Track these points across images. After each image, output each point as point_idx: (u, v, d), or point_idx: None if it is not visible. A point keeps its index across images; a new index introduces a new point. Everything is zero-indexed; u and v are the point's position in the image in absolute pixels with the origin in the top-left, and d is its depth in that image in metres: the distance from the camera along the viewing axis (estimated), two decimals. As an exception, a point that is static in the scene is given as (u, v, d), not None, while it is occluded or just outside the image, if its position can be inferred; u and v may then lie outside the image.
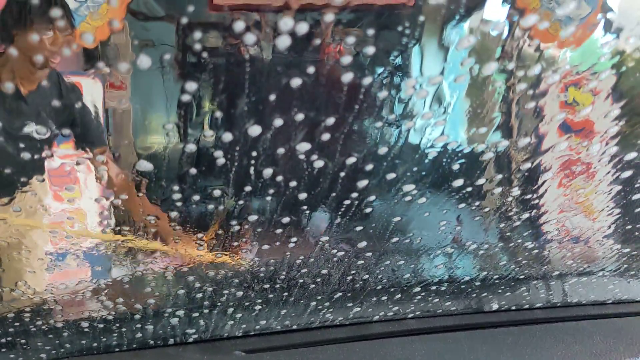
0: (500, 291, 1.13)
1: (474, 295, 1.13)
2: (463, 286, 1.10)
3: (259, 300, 0.96)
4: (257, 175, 0.76)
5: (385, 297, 1.06)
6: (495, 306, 1.15)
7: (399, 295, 1.06)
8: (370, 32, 0.68)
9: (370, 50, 0.68)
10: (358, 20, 0.70)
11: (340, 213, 0.85)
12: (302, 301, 0.99)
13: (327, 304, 1.01)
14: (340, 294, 1.01)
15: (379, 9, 0.76)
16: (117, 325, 0.95)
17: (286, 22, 0.61)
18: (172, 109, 0.77)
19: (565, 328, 1.12)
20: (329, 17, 0.64)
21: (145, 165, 0.77)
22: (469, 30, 0.71)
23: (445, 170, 0.83)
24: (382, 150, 0.79)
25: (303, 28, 0.61)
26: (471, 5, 0.69)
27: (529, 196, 0.90)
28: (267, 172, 0.75)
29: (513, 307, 1.16)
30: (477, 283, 1.10)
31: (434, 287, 1.08)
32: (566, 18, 0.73)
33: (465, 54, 0.72)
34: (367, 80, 0.70)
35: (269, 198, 0.80)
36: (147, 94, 0.78)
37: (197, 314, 0.96)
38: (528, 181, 0.88)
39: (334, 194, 0.81)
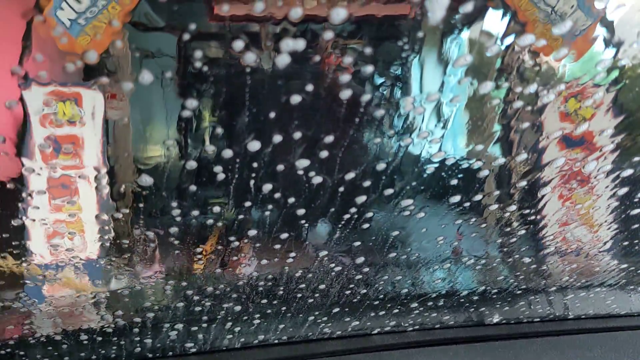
0: (500, 304, 1.13)
1: (475, 308, 1.12)
2: (463, 299, 1.09)
3: (257, 315, 0.96)
4: (258, 190, 0.76)
5: (386, 310, 1.06)
6: (495, 319, 1.15)
7: (400, 308, 1.06)
8: (370, 43, 0.68)
9: (370, 62, 0.68)
10: (358, 32, 0.70)
11: (342, 227, 0.85)
12: (301, 315, 0.99)
13: (324, 318, 1.01)
14: (339, 307, 1.01)
15: (378, 21, 0.76)
16: (116, 337, 0.95)
17: (287, 34, 0.62)
18: (172, 123, 0.77)
19: (566, 341, 1.12)
20: (329, 29, 0.64)
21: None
22: (469, 42, 0.71)
23: (444, 185, 0.83)
24: (381, 164, 0.79)
25: (303, 40, 0.61)
26: (470, 18, 0.69)
27: (528, 210, 0.90)
28: (268, 187, 0.75)
29: (513, 320, 1.16)
30: (478, 296, 1.10)
31: (434, 300, 1.08)
32: (565, 31, 0.73)
33: (465, 67, 0.72)
34: (367, 92, 0.70)
35: (269, 213, 0.80)
36: (146, 107, 0.78)
37: (196, 327, 0.96)
38: (527, 195, 0.88)
39: (338, 209, 0.81)
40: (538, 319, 1.16)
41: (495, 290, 1.09)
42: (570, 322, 1.16)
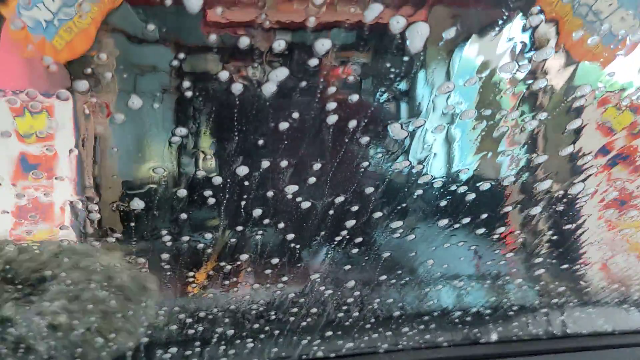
0: (498, 322, 1.12)
1: (472, 327, 1.11)
2: (460, 318, 1.09)
3: (250, 339, 0.96)
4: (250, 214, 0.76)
5: (380, 330, 1.05)
6: (493, 337, 1.14)
7: (394, 328, 1.05)
8: (372, 52, 0.67)
9: (373, 72, 0.67)
10: (354, 43, 0.67)
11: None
12: (295, 336, 0.98)
13: (318, 340, 1.00)
14: (332, 329, 1.00)
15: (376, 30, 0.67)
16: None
17: (279, 44, 0.61)
18: (167, 141, 0.76)
19: (564, 359, 1.11)
20: (323, 40, 0.62)
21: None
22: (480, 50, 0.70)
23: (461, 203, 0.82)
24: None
25: (296, 47, 0.61)
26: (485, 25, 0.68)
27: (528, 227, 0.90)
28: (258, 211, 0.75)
29: (510, 339, 1.15)
30: (475, 315, 1.09)
31: (432, 318, 1.07)
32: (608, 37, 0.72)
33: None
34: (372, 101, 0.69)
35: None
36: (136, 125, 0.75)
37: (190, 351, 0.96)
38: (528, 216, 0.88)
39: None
40: (537, 337, 1.15)
41: (494, 309, 1.09)
42: (565, 340, 1.15)
